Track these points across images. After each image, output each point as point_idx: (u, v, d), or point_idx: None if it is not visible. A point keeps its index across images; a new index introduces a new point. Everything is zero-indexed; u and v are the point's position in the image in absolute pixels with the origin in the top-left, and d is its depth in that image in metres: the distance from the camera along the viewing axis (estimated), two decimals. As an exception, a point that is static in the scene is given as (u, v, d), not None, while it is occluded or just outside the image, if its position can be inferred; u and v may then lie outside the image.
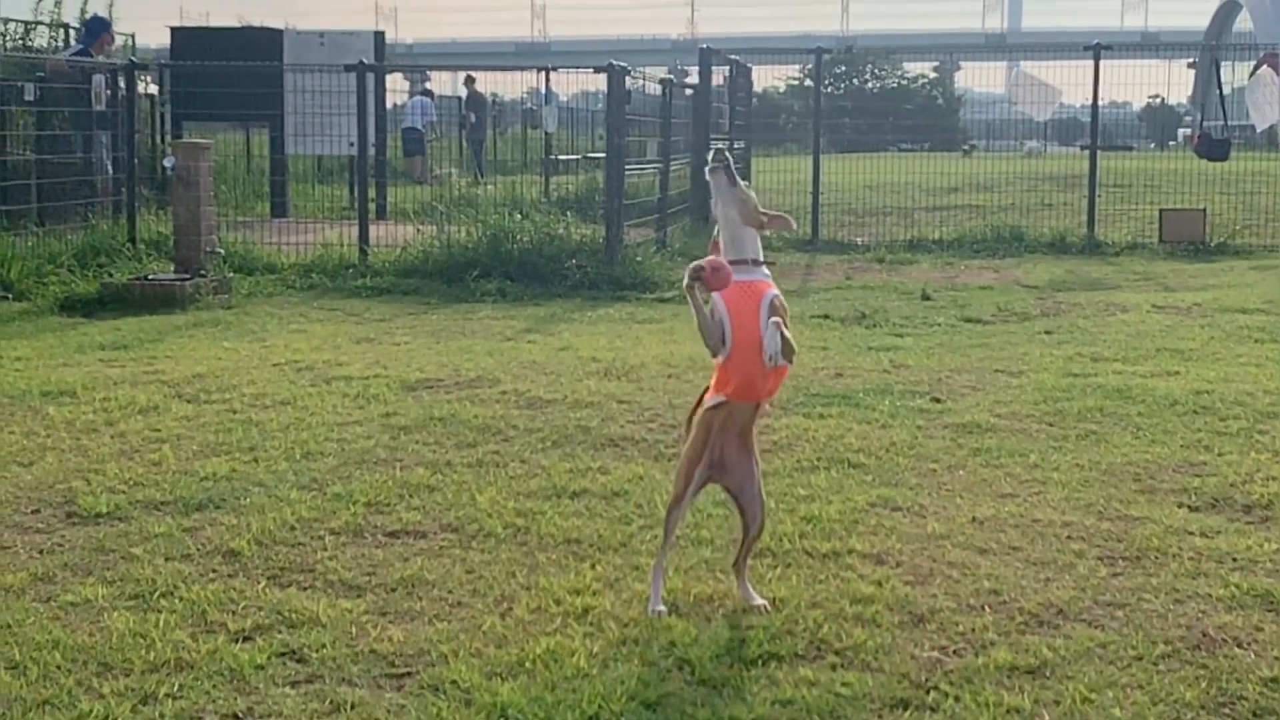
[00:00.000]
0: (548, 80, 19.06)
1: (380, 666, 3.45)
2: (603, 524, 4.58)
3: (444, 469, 5.25)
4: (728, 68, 18.08)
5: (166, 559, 4.23)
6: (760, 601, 3.83)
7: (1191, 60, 27.82)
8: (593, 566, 4.15)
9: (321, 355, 7.79)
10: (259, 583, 4.03)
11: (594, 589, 3.96)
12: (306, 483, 5.06)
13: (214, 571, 4.13)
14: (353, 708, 3.21)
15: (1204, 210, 15.29)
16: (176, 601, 3.87)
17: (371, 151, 13.02)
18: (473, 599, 3.91)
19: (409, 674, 3.41)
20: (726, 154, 3.86)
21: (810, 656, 3.51)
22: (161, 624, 3.69)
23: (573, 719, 3.15)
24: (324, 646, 3.54)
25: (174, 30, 17.90)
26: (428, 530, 4.53)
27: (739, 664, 3.45)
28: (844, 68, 51.19)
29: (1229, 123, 17.63)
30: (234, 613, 3.79)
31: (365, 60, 13.41)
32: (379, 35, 17.81)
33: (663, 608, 3.78)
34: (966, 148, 26.75)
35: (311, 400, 6.45)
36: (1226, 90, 18.55)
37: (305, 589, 3.99)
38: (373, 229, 12.49)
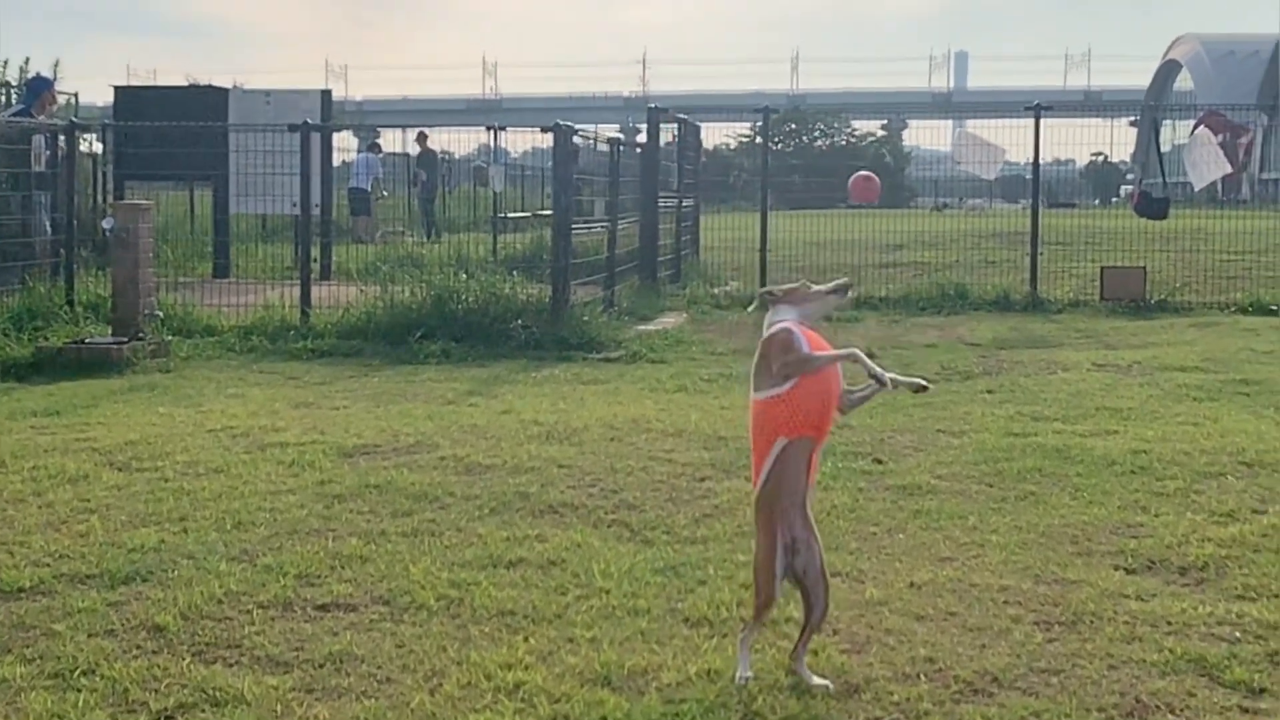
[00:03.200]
0: (495, 138, 19.14)
1: (303, 747, 3.37)
2: (538, 594, 4.52)
3: (378, 539, 5.17)
4: (676, 126, 18.23)
5: (89, 635, 4.13)
6: (821, 682, 3.75)
7: (1134, 119, 28.25)
8: (526, 639, 4.09)
9: (258, 421, 7.69)
10: (184, 659, 3.94)
11: (526, 663, 3.90)
12: (236, 554, 4.97)
13: (138, 648, 4.04)
14: (273, 792, 3.13)
15: (1144, 268, 15.49)
16: (97, 680, 3.78)
17: (316, 211, 12.95)
18: (402, 674, 3.84)
19: (333, 755, 3.33)
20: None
21: (743, 730, 3.47)
22: (81, 704, 3.61)
23: (499, 800, 3.09)
24: (246, 727, 3.46)
25: (118, 89, 17.85)
26: (358, 603, 4.45)
27: (671, 739, 3.39)
28: (794, 126, 51.86)
29: (1168, 180, 17.88)
30: (156, 691, 3.70)
31: (310, 120, 13.39)
32: (325, 94, 17.84)
33: (750, 674, 3.78)
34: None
35: (245, 468, 6.36)
36: (1167, 148, 18.84)
37: (231, 665, 3.91)
38: (316, 290, 12.43)
